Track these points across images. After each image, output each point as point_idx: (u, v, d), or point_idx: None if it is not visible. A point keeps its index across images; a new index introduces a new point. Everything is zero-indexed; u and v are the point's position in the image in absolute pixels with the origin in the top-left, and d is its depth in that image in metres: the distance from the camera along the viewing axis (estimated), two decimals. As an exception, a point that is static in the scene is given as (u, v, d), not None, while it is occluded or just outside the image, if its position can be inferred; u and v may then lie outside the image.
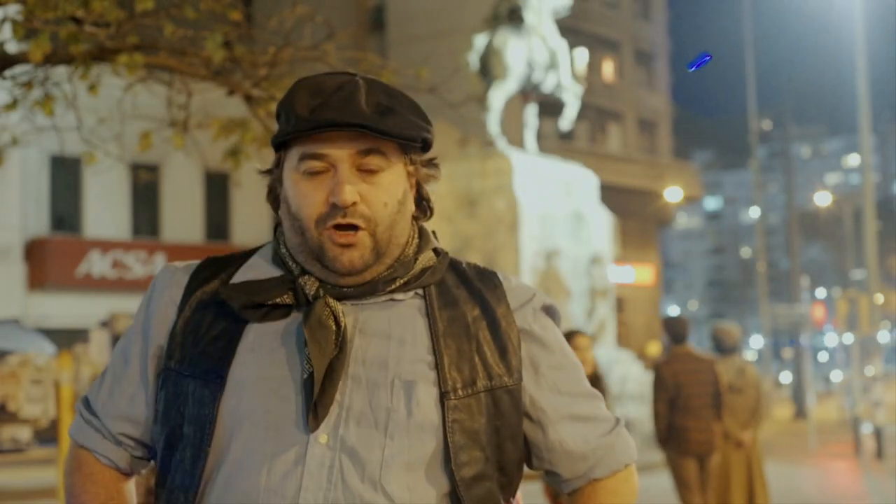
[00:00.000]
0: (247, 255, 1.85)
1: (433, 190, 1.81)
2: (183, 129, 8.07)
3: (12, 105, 7.61)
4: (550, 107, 23.57)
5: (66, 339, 20.65)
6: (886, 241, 50.08)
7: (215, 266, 1.82)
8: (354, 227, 1.68)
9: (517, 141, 21.25)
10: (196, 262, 1.86)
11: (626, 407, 19.18)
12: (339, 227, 1.68)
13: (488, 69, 19.39)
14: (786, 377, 52.46)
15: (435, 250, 1.81)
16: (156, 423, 1.78)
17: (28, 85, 7.53)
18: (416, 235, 1.80)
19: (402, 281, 1.74)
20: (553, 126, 31.71)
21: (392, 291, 1.74)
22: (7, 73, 7.50)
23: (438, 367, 1.70)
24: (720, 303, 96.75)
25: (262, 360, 1.70)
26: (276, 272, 1.77)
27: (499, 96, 19.35)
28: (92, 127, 8.41)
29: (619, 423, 1.85)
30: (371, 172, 1.70)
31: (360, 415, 1.66)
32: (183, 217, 27.04)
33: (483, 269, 1.83)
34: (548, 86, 20.32)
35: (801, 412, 30.88)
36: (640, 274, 40.71)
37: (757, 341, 66.05)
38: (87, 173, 23.64)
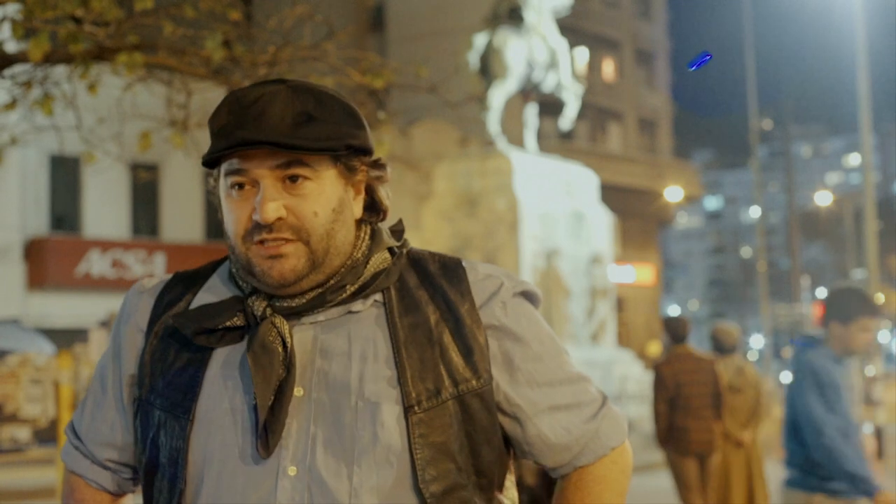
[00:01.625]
0: (212, 269, 1.83)
1: (386, 193, 1.77)
2: (182, 128, 8.07)
3: (11, 105, 7.61)
4: (550, 106, 23.56)
5: (66, 338, 20.63)
6: (887, 240, 50.04)
7: (181, 287, 1.80)
8: (284, 240, 1.66)
9: (517, 140, 21.25)
10: (164, 280, 1.84)
11: (627, 407, 19.18)
12: (264, 242, 1.66)
13: (488, 68, 19.39)
14: (786, 377, 52.48)
15: (390, 250, 1.77)
16: (135, 448, 1.79)
17: (27, 84, 7.52)
18: (368, 238, 1.75)
19: (352, 288, 1.70)
20: (553, 125, 31.69)
21: (345, 301, 1.70)
22: (6, 72, 7.49)
23: (401, 381, 1.66)
24: (720, 303, 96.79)
25: (226, 390, 1.69)
26: (231, 291, 1.76)
27: (499, 96, 19.34)
28: (91, 126, 8.41)
29: (606, 403, 1.80)
30: (296, 184, 1.66)
31: (326, 442, 1.64)
32: (182, 217, 27.03)
33: (447, 261, 1.78)
34: (548, 85, 20.32)
35: (801, 412, 30.86)
36: (640, 273, 40.71)
37: (757, 341, 66.04)
38: (87, 173, 23.64)
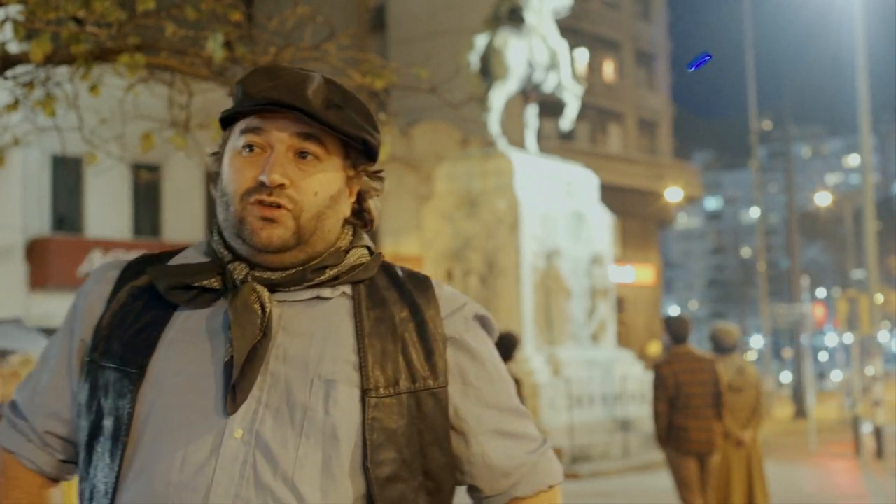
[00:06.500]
0: (181, 249, 1.86)
1: (376, 206, 1.82)
2: (184, 129, 8.10)
3: (14, 105, 7.64)
4: (551, 107, 23.58)
5: (67, 338, 20.62)
6: (886, 240, 50.11)
7: (147, 261, 1.82)
8: (278, 206, 1.69)
9: (518, 141, 21.27)
10: (132, 258, 1.86)
11: (627, 407, 19.20)
12: (262, 203, 1.69)
13: (489, 69, 19.41)
14: (786, 377, 52.55)
15: (368, 249, 1.81)
16: (80, 418, 1.76)
17: (29, 85, 7.55)
18: (350, 234, 1.80)
19: (332, 272, 1.74)
20: (554, 126, 31.71)
21: (320, 285, 1.74)
22: (8, 73, 7.52)
23: (361, 366, 1.69)
24: (720, 303, 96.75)
25: (182, 352, 1.70)
26: (206, 260, 1.78)
27: (499, 96, 19.37)
28: (93, 127, 8.44)
29: (546, 443, 1.82)
30: (306, 159, 1.72)
31: (276, 412, 1.66)
32: (184, 217, 27.04)
33: (416, 274, 1.83)
34: (548, 86, 20.35)
35: (801, 412, 30.90)
36: (640, 274, 40.72)
37: (757, 341, 66.06)
38: (89, 173, 23.65)
